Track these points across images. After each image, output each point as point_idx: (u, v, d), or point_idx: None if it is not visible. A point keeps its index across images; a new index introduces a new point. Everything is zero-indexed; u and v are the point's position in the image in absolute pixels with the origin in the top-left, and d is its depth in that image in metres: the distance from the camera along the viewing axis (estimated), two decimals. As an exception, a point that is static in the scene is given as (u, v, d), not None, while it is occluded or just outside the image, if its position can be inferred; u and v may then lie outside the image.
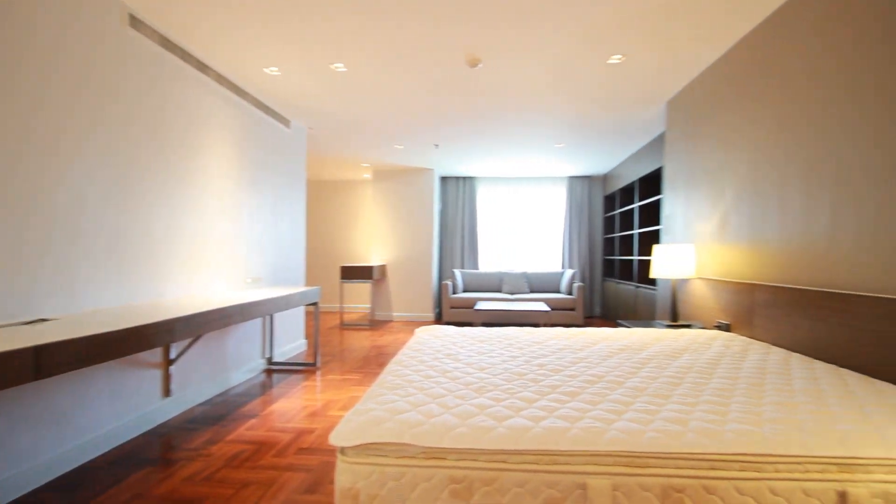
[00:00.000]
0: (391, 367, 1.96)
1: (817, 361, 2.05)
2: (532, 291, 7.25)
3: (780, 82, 2.49)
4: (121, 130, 2.56)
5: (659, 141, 5.12)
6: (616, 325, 6.36)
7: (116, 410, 2.52)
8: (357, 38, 2.95)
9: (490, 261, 7.98)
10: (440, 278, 8.03)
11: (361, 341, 5.53)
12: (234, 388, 3.59)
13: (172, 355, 2.95)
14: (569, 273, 6.95)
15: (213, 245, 3.44)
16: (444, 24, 2.76)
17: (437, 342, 2.46)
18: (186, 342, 3.10)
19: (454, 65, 3.33)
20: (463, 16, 2.66)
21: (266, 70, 3.45)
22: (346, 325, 6.66)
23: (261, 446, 2.46)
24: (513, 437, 1.25)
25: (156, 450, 2.44)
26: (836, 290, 2.05)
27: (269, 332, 4.27)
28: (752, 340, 2.57)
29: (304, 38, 2.95)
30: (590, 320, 7.25)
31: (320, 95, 4.00)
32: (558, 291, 7.18)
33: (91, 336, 1.67)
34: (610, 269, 7.33)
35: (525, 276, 7.22)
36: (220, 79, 3.49)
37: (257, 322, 4.11)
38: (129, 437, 2.58)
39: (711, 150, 3.23)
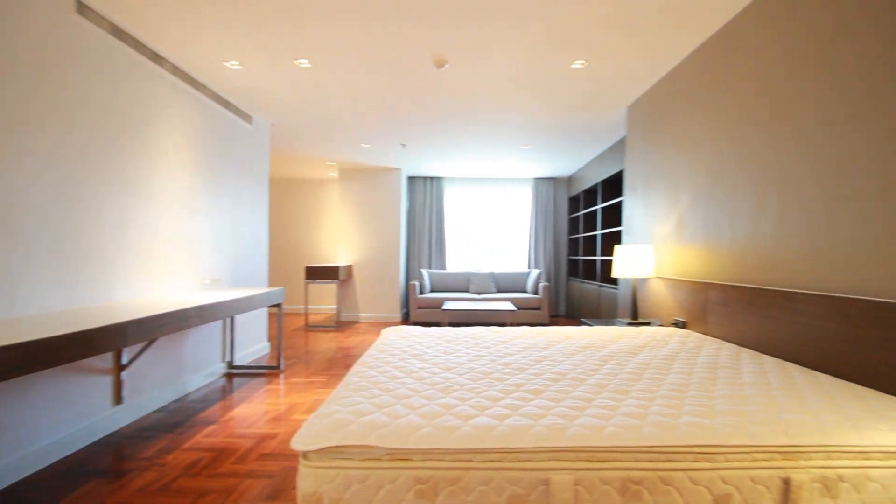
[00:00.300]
0: (356, 368, 1.94)
1: (765, 356, 2.17)
2: (499, 291, 7.33)
3: (731, 91, 2.62)
4: (67, 124, 2.41)
5: (620, 145, 5.28)
6: (580, 323, 6.53)
7: (62, 420, 2.37)
8: (321, 34, 2.89)
9: (458, 261, 8.01)
10: (408, 278, 8.00)
11: (327, 343, 5.43)
12: (191, 393, 3.45)
13: (124, 360, 2.81)
14: (535, 273, 7.07)
15: (169, 245, 3.29)
16: (411, 24, 2.75)
17: (403, 342, 2.44)
18: (139, 347, 2.95)
19: (421, 65, 3.33)
20: (429, 16, 2.66)
21: (226, 64, 3.34)
22: (311, 327, 6.53)
23: (220, 453, 2.38)
24: (478, 435, 1.26)
25: (106, 460, 2.31)
26: (782, 289, 2.17)
27: (230, 335, 4.13)
28: (705, 337, 2.69)
29: (266, 33, 2.87)
30: (555, 319, 7.39)
31: (284, 92, 3.90)
32: (525, 291, 7.29)
33: (26, 343, 1.56)
34: (574, 269, 7.51)
35: (492, 276, 7.30)
36: (177, 71, 3.35)
37: (217, 325, 3.97)
38: (76, 448, 2.43)
39: (669, 154, 3.36)
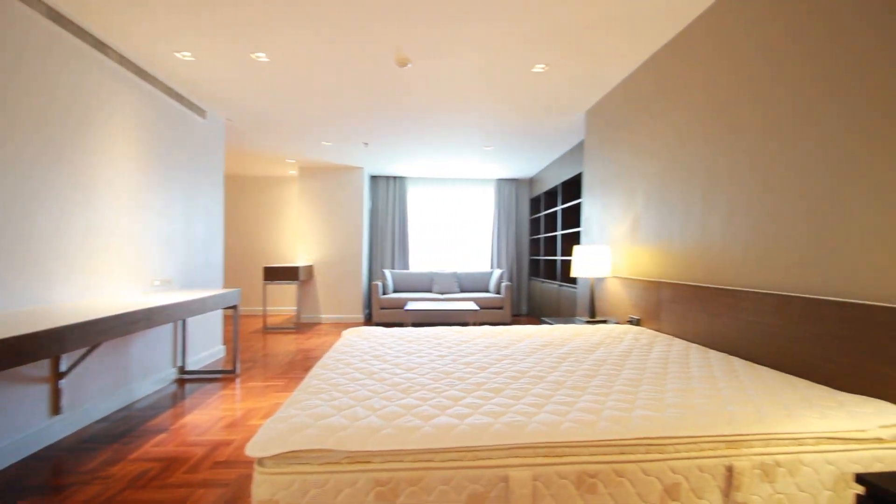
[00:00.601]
0: (316, 370, 1.90)
1: (711, 350, 2.29)
2: (462, 291, 7.37)
3: (680, 100, 2.74)
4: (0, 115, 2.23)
5: (580, 148, 5.43)
6: (540, 322, 6.66)
7: (-10, 433, 2.19)
8: (280, 28, 2.81)
9: (421, 261, 7.99)
10: (370, 279, 7.91)
11: (286, 345, 5.29)
12: (139, 401, 3.27)
13: (63, 368, 2.63)
14: (497, 273, 7.15)
15: (114, 244, 3.11)
16: (373, 21, 2.72)
17: (364, 344, 2.41)
18: (80, 353, 2.77)
19: (383, 63, 3.30)
20: (392, 14, 2.64)
21: (178, 55, 3.19)
22: (269, 329, 6.34)
23: (171, 463, 2.27)
24: (438, 435, 1.26)
25: (43, 475, 2.16)
26: (727, 287, 2.30)
27: (182, 339, 3.95)
28: (658, 333, 2.80)
29: (221, 23, 2.76)
30: (517, 318, 7.51)
31: (240, 86, 3.77)
32: (487, 291, 7.36)
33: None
34: (536, 269, 7.65)
35: (455, 275, 7.33)
36: (124, 61, 3.17)
37: (167, 328, 3.78)
38: (8, 463, 2.25)
39: (624, 158, 3.49)
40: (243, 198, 8.06)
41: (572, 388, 1.66)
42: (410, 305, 5.47)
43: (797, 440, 1.34)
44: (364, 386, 1.67)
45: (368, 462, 1.22)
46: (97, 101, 2.94)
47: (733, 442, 1.32)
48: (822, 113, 1.79)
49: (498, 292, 7.03)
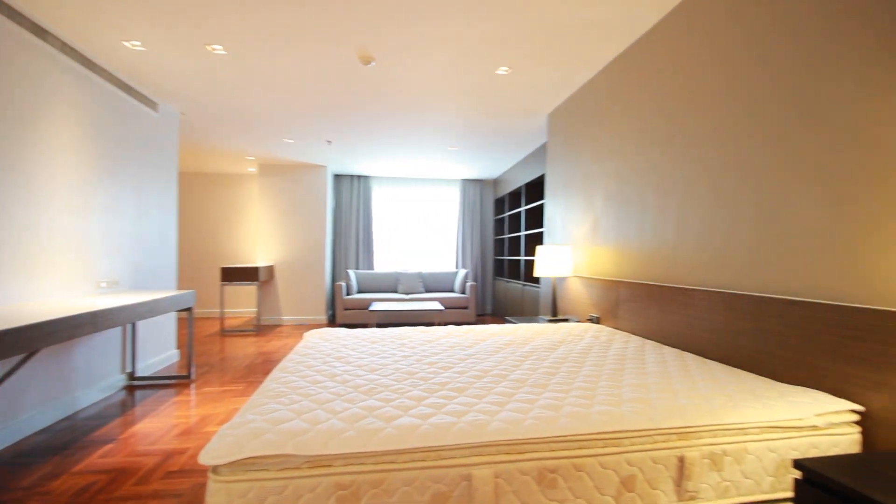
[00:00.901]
0: (275, 374, 1.84)
1: (666, 347, 2.39)
2: (427, 291, 7.36)
3: (637, 105, 2.85)
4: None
5: (543, 150, 5.54)
6: (504, 321, 6.75)
7: (-90, 450, 2.01)
8: (237, 19, 2.72)
9: (386, 261, 7.93)
10: (333, 279, 7.77)
11: (245, 348, 5.12)
12: (83, 410, 3.08)
13: (-4, 376, 2.43)
14: (462, 273, 7.19)
15: (56, 244, 2.91)
16: (335, 16, 2.68)
17: (326, 345, 2.37)
18: (17, 360, 2.58)
19: (346, 60, 3.25)
20: (354, 10, 2.60)
21: (126, 44, 3.02)
22: (227, 332, 6.12)
23: (119, 474, 2.15)
24: (401, 436, 1.25)
25: (-30, 493, 1.99)
26: (680, 286, 2.40)
27: (132, 344, 3.75)
28: (616, 331, 2.90)
29: (173, 12, 2.64)
30: (482, 318, 7.58)
31: (195, 79, 3.62)
32: (452, 291, 7.39)
33: None
34: (500, 269, 7.74)
35: (420, 275, 7.31)
36: (67, 49, 2.97)
37: (115, 332, 3.58)
38: (-71, 482, 2.07)
39: (585, 161, 3.59)
40: (200, 196, 7.74)
41: (534, 385, 1.69)
42: (375, 306, 5.41)
43: (743, 430, 1.42)
44: (326, 388, 1.64)
45: (329, 466, 1.20)
46: (36, 90, 2.75)
47: (685, 434, 1.38)
48: (768, 122, 1.89)
49: (463, 292, 7.07)
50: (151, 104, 4.05)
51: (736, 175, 2.05)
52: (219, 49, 3.09)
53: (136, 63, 3.32)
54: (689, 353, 2.22)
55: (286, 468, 1.18)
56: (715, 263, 2.17)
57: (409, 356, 2.17)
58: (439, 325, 6.44)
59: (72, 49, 3.02)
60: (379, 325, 6.87)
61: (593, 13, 2.59)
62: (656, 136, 2.65)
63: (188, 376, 3.80)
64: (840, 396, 1.53)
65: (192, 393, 3.44)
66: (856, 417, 1.48)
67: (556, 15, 2.62)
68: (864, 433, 1.48)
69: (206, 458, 1.15)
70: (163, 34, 2.89)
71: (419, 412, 1.40)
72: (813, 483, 1.10)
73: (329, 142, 5.58)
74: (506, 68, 3.36)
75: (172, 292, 3.53)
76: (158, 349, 4.24)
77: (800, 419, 1.44)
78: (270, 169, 6.98)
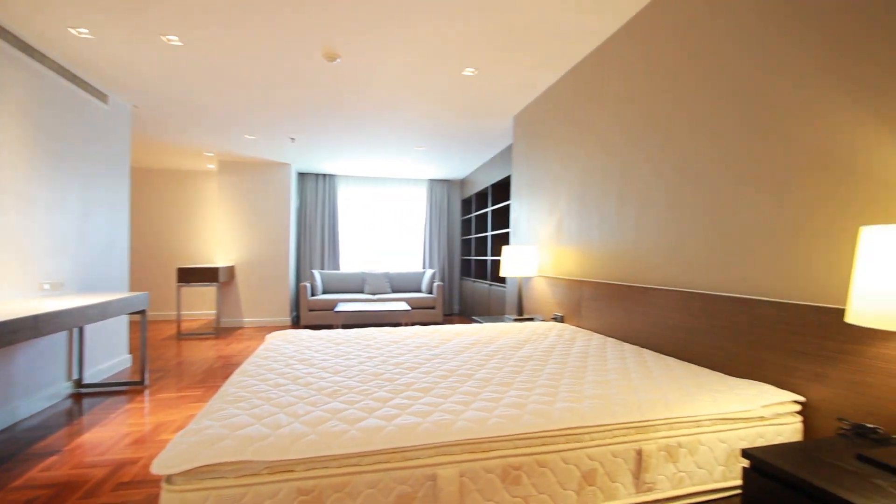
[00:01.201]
0: (234, 378, 1.78)
1: (626, 344, 2.46)
2: (394, 291, 7.32)
3: (597, 110, 2.93)
4: None
5: (509, 151, 5.61)
6: (471, 321, 6.79)
7: None
8: (194, 10, 2.62)
9: (352, 261, 7.82)
10: (298, 280, 7.60)
11: (204, 352, 4.93)
12: (23, 421, 2.88)
13: (-77, 387, 2.25)
14: (429, 273, 7.19)
15: (-9, 243, 2.71)
16: (298, 10, 2.62)
17: (289, 347, 2.31)
18: (-53, 368, 2.39)
19: (310, 56, 3.18)
20: (319, 5, 2.55)
21: (72, 30, 2.85)
22: (184, 335, 5.88)
23: (63, 488, 2.02)
24: (365, 438, 1.23)
25: None
26: (639, 285, 2.48)
27: (79, 349, 3.54)
28: (579, 329, 2.97)
29: None
30: (449, 318, 7.59)
31: (149, 71, 3.45)
32: (419, 291, 7.37)
33: None
34: (467, 269, 7.79)
35: (387, 276, 7.26)
36: (6, 35, 2.77)
37: (60, 337, 3.37)
38: None
39: (549, 163, 3.66)
40: (155, 193, 7.40)
41: (499, 384, 1.71)
42: (341, 307, 5.33)
43: (696, 422, 1.48)
44: (288, 392, 1.60)
45: (291, 471, 1.17)
46: (-31, 77, 2.55)
47: (642, 427, 1.43)
48: (713, 132, 1.99)
49: (430, 292, 7.06)
50: (101, 96, 3.83)
51: (687, 181, 2.14)
52: (175, 40, 2.96)
53: (84, 52, 3.14)
54: (647, 350, 2.30)
55: (245, 475, 1.15)
56: (671, 264, 2.26)
57: (375, 357, 2.14)
58: (406, 325, 6.42)
59: (12, 35, 2.83)
60: (345, 327, 6.77)
61: (557, 19, 2.65)
62: (614, 143, 2.74)
63: (141, 382, 3.62)
64: (784, 388, 1.63)
65: (146, 399, 3.29)
66: (798, 408, 1.57)
67: (522, 19, 2.66)
68: (805, 422, 1.58)
69: (158, 467, 1.10)
70: (112, 21, 2.74)
71: (384, 413, 1.39)
72: (759, 470, 1.17)
73: (293, 139, 5.45)
74: (472, 69, 3.38)
75: (124, 294, 3.36)
76: (109, 354, 4.02)
77: (748, 411, 1.52)
78: (231, 166, 6.76)
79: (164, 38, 2.94)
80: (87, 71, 3.46)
